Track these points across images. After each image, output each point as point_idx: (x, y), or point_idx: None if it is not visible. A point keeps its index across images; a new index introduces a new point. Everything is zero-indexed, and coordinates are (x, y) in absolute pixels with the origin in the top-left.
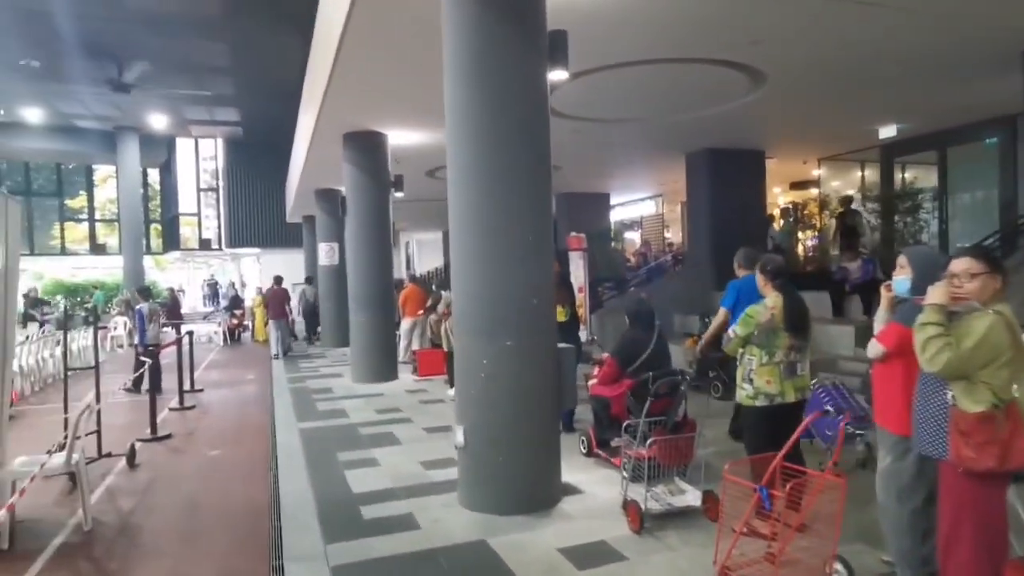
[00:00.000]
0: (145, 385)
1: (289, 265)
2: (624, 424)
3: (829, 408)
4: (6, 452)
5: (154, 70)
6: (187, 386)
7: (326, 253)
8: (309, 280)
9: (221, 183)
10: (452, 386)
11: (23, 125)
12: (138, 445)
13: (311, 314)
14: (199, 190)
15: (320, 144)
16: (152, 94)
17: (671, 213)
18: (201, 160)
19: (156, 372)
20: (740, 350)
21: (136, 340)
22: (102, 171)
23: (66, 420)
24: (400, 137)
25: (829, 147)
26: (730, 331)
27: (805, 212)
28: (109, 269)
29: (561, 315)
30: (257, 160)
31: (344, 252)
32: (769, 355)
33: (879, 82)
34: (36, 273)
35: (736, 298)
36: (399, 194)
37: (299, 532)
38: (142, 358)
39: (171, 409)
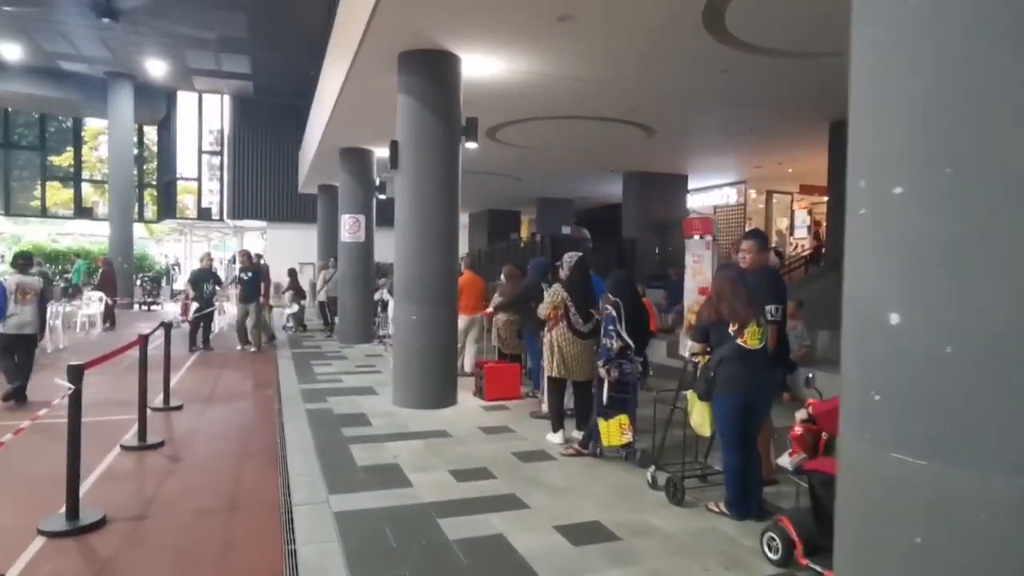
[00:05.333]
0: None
1: (300, 242)
2: None
3: None
4: None
5: None
6: (158, 400)
7: (350, 227)
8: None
9: (226, 146)
10: (556, 430)
11: None
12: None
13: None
14: (200, 152)
15: (363, 72)
16: (148, 29)
17: (754, 204)
18: (205, 119)
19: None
20: None
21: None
22: (93, 127)
23: None
24: (476, 65)
25: None
26: None
27: None
28: (95, 236)
29: (754, 337)
30: (268, 121)
31: (371, 226)
32: None
33: None
34: (13, 236)
35: None
36: (471, 145)
37: None
38: None
39: (124, 448)
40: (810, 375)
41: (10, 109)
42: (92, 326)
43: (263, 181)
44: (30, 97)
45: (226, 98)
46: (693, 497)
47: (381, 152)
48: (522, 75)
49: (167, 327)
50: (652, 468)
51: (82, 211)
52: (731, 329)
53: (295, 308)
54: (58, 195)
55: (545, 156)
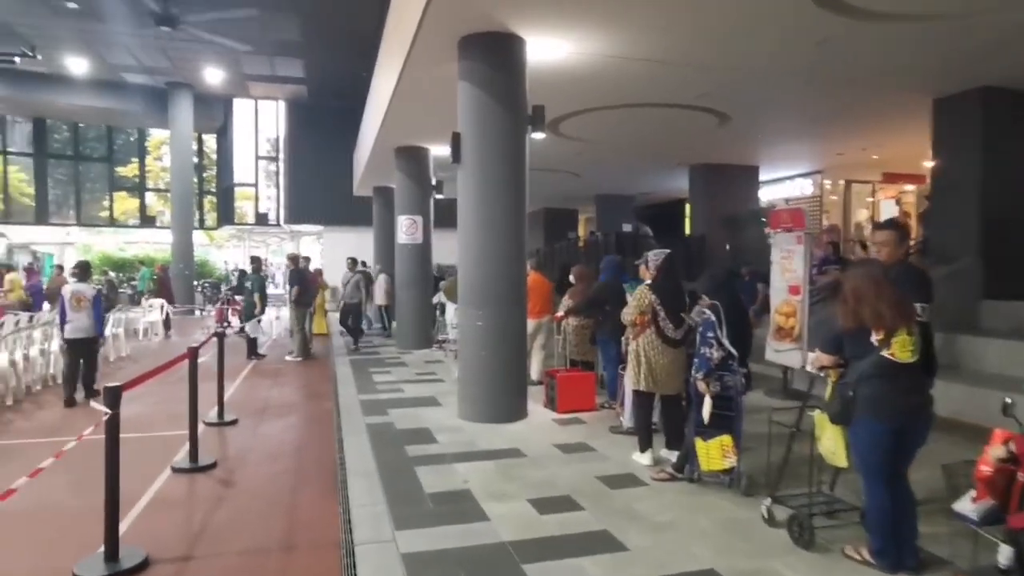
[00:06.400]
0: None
1: (356, 245)
2: None
3: None
4: None
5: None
6: (213, 414)
7: (407, 228)
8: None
9: (282, 151)
10: (644, 449)
11: (67, 78)
12: None
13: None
14: (257, 158)
15: (420, 61)
16: (204, 35)
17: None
18: (261, 125)
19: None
20: None
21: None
22: (156, 138)
23: None
24: (542, 48)
25: None
26: None
27: None
28: (160, 244)
29: (905, 348)
30: (322, 125)
31: (428, 227)
32: None
33: None
34: (84, 245)
35: None
36: (538, 135)
37: None
38: None
39: (175, 470)
40: (1008, 400)
41: (81, 124)
42: (155, 334)
43: (318, 185)
44: (96, 110)
45: (281, 103)
46: (823, 538)
47: (438, 150)
48: (590, 58)
49: (220, 337)
50: (768, 501)
51: (147, 219)
52: (874, 339)
53: None
54: (125, 204)
55: (608, 150)
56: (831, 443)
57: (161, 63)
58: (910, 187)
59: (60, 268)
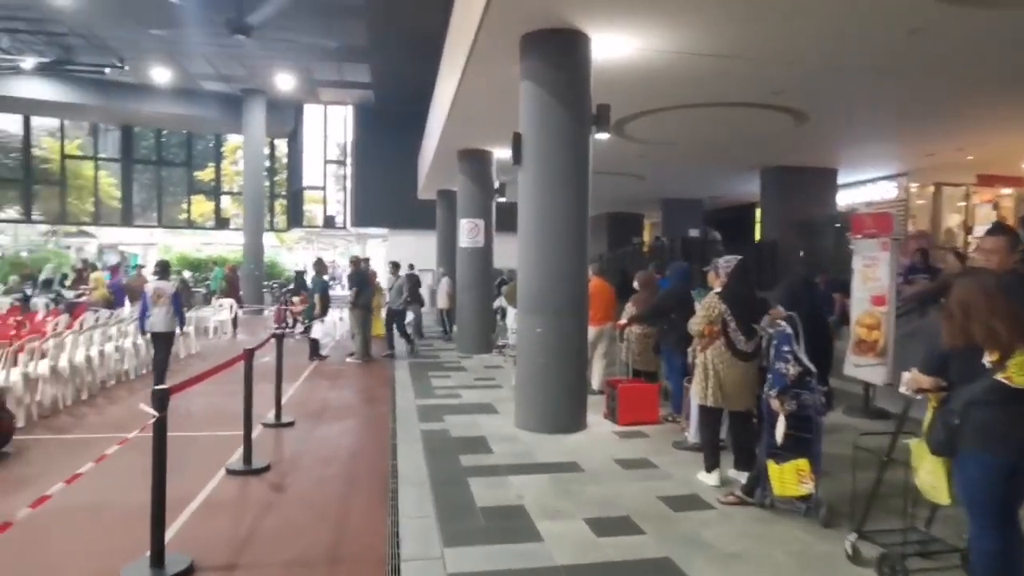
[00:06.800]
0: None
1: (420, 248)
2: None
3: None
4: None
5: (278, 11)
6: (271, 415)
7: (469, 232)
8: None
9: (349, 155)
10: (711, 469)
11: (152, 88)
12: None
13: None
14: (326, 162)
15: (482, 60)
16: (277, 44)
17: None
18: (329, 130)
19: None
20: None
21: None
22: (232, 143)
23: None
24: (607, 46)
25: None
26: None
27: None
28: (233, 246)
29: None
30: (388, 130)
31: (490, 231)
32: None
33: None
34: (164, 247)
35: None
36: (602, 136)
37: None
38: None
39: (229, 472)
40: None
41: (164, 131)
42: (224, 332)
43: (385, 189)
44: (178, 117)
45: (349, 109)
46: None
47: (500, 153)
48: (659, 55)
49: (279, 338)
50: (853, 536)
51: (221, 222)
52: (987, 360)
53: (410, 316)
54: (202, 207)
55: (675, 152)
56: (931, 476)
57: (237, 71)
58: (1007, 190)
59: (140, 268)
